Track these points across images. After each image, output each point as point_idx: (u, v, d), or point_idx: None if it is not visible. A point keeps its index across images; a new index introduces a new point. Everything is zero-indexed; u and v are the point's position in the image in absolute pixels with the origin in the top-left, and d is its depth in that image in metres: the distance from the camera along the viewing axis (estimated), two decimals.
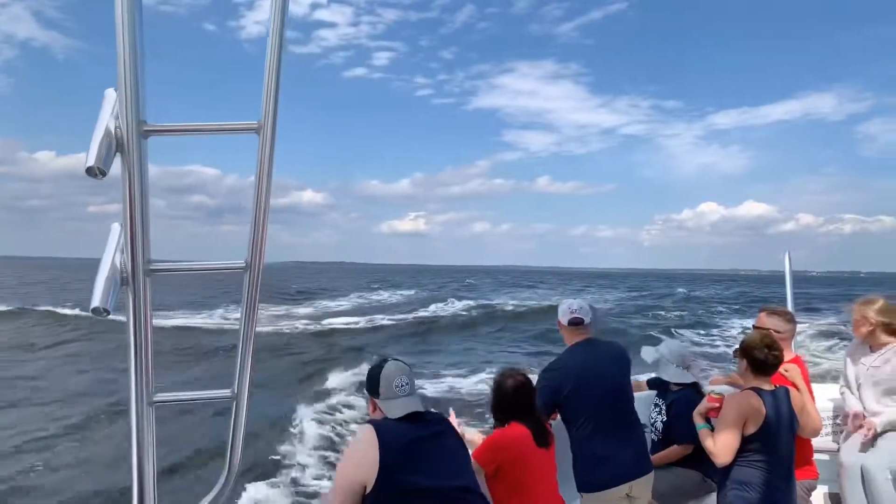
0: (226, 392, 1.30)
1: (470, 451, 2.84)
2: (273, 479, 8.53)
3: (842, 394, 4.08)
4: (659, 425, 4.09)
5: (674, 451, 3.98)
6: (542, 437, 3.06)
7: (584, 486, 3.38)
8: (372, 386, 2.49)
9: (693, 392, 4.04)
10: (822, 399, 4.07)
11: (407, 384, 2.44)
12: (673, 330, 27.92)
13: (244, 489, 7.86)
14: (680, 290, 69.83)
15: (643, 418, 3.80)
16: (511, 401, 3.09)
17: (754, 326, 3.97)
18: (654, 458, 3.94)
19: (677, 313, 37.28)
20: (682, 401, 3.98)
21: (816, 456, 3.84)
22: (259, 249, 1.25)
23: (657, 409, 4.15)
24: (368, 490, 2.25)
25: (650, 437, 4.11)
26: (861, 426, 3.79)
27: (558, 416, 3.54)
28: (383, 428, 2.34)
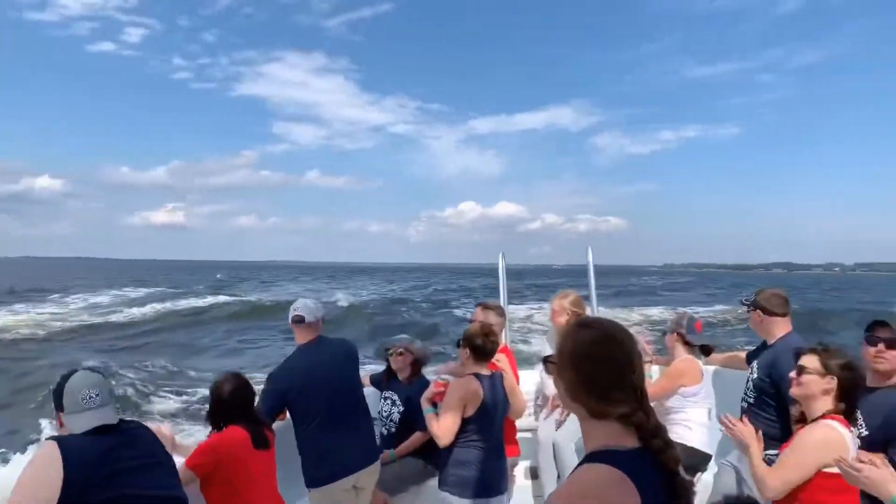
0: None
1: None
2: None
3: (541, 377, 4.64)
4: (395, 417, 4.24)
5: (417, 437, 4.16)
6: (261, 439, 3.03)
7: (312, 481, 3.44)
8: (57, 400, 2.25)
9: (425, 383, 4.27)
10: (527, 384, 4.56)
11: (97, 395, 2.22)
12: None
13: None
14: (434, 283, 73.06)
15: (372, 412, 3.94)
16: (228, 404, 3.04)
17: (470, 321, 4.29)
18: (399, 448, 4.13)
19: (426, 304, 39.17)
20: (420, 391, 4.22)
21: (519, 434, 4.29)
22: None
23: (390, 402, 4.31)
24: None
25: (381, 429, 4.26)
26: (557, 406, 4.33)
27: (287, 416, 3.56)
28: (66, 443, 2.10)
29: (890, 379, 3.03)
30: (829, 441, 2.44)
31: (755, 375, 3.69)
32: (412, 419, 4.16)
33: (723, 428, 2.78)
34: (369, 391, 4.34)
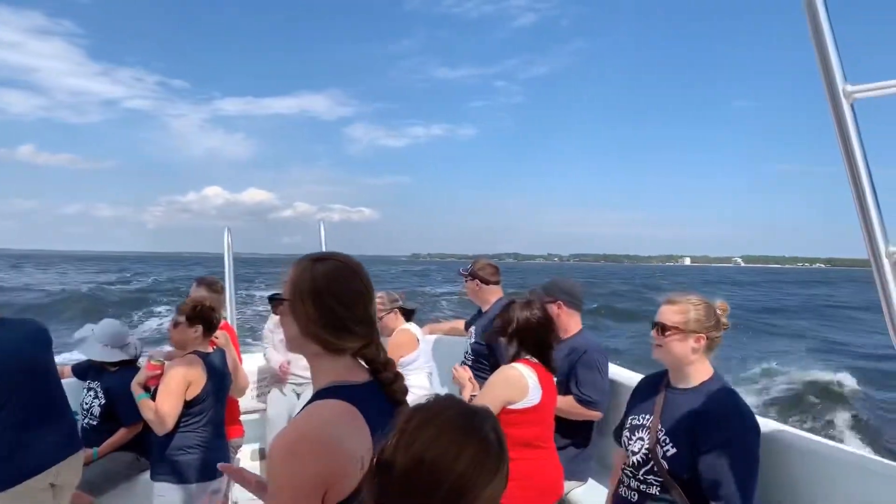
0: None
1: None
2: None
3: (265, 355, 4.58)
4: (96, 410, 3.86)
5: (122, 434, 3.83)
6: None
7: None
8: None
9: (133, 371, 3.91)
10: (250, 364, 4.46)
11: None
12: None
13: None
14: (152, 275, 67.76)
15: (74, 405, 3.47)
16: None
17: (189, 296, 4.09)
18: (102, 446, 3.76)
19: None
20: (123, 381, 3.80)
21: (244, 417, 4.19)
22: None
23: (92, 393, 3.91)
24: None
25: (82, 423, 3.88)
26: (286, 373, 4.42)
27: None
28: None
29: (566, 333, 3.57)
30: (508, 378, 2.75)
31: (472, 340, 4.05)
32: (115, 411, 3.84)
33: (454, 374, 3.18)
34: (71, 381, 3.97)
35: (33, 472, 2.96)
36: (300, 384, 4.49)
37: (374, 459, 1.08)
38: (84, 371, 4.11)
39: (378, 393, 1.39)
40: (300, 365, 4.48)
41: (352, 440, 1.27)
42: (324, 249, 5.57)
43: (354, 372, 1.40)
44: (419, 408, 1.11)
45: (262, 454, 4.35)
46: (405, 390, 1.45)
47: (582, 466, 3.47)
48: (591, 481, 3.48)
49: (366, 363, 1.42)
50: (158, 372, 3.20)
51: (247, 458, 4.32)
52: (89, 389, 3.93)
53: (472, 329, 4.14)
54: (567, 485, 3.22)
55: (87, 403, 3.89)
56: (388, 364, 1.43)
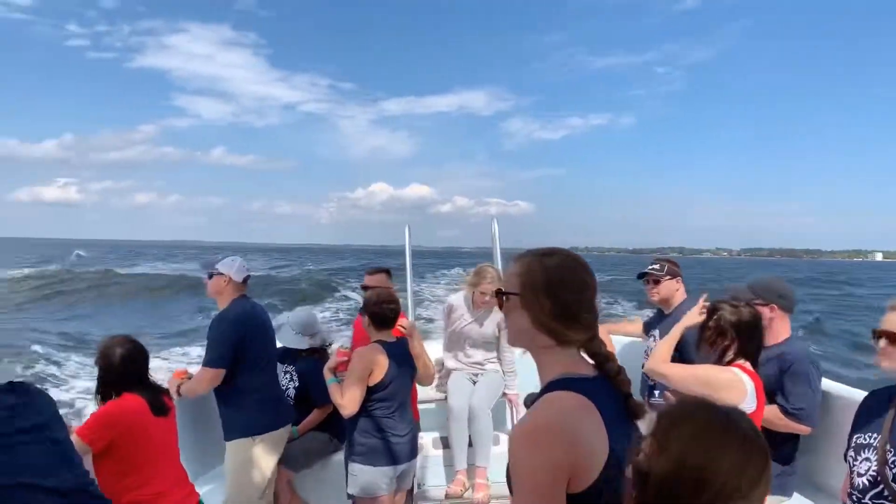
0: None
1: None
2: None
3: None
4: (291, 392, 4.17)
5: (315, 415, 4.13)
6: (160, 406, 2.84)
7: (251, 428, 3.54)
8: None
9: (324, 356, 4.21)
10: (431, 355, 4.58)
11: None
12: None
13: None
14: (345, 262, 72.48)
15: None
16: (121, 370, 2.80)
17: (363, 286, 4.30)
18: (301, 425, 4.07)
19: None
20: (313, 366, 4.13)
21: (422, 406, 4.31)
22: None
23: (288, 376, 4.22)
24: None
25: None
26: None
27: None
28: None
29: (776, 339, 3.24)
30: (729, 380, 2.56)
31: (655, 342, 3.83)
32: (309, 394, 4.13)
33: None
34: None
35: (281, 424, 3.65)
36: (476, 374, 4.56)
37: (630, 466, 1.05)
38: (281, 356, 4.37)
39: (607, 386, 1.39)
40: (475, 360, 4.57)
41: (589, 433, 1.26)
42: (498, 246, 5.62)
43: (581, 365, 1.40)
44: (670, 409, 1.06)
45: (445, 443, 4.47)
46: (629, 382, 1.43)
47: (786, 481, 3.20)
48: (796, 495, 3.21)
49: (590, 356, 1.42)
50: (346, 359, 3.39)
51: (429, 445, 4.45)
52: (285, 373, 4.23)
53: (657, 331, 3.95)
54: (770, 500, 2.98)
55: (283, 385, 4.19)
56: (611, 356, 1.42)
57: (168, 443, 2.88)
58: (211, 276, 3.62)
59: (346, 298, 28.74)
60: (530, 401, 1.44)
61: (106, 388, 2.83)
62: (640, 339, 4.30)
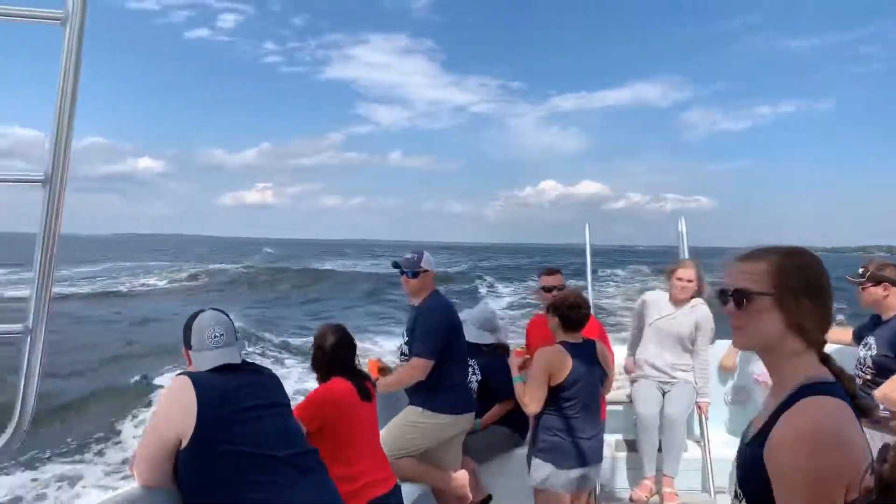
0: (17, 327, 1.13)
1: None
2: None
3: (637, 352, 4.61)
4: (474, 385, 4.26)
5: (497, 410, 4.23)
6: (365, 391, 3.05)
7: (437, 407, 3.65)
8: (185, 337, 2.34)
9: (502, 353, 4.31)
10: (617, 357, 4.50)
11: (222, 335, 2.30)
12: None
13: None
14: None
15: None
16: (331, 356, 3.05)
17: (543, 287, 4.26)
18: (483, 418, 4.18)
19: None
20: (494, 361, 4.23)
21: (609, 408, 4.23)
22: (62, 162, 1.08)
23: (470, 370, 4.27)
24: (184, 444, 2.09)
25: None
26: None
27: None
28: (198, 378, 2.19)
29: None
30: None
31: (874, 352, 3.52)
32: (490, 389, 4.21)
33: None
34: None
35: (463, 410, 3.73)
36: (666, 382, 4.40)
37: (875, 478, 0.98)
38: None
39: (842, 386, 1.31)
40: (665, 362, 4.42)
41: (859, 438, 1.19)
42: (685, 244, 5.39)
43: (821, 368, 1.32)
44: None
45: (630, 445, 4.38)
46: (853, 378, 1.35)
47: None
48: None
49: (820, 359, 1.33)
50: (527, 356, 3.43)
51: (612, 447, 4.38)
52: (468, 366, 4.28)
53: (872, 339, 3.57)
54: None
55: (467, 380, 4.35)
56: (831, 356, 1.34)
57: (371, 427, 3.07)
58: (416, 275, 3.73)
59: (500, 296, 28.91)
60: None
61: (319, 372, 3.09)
62: (850, 347, 3.89)
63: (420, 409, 3.65)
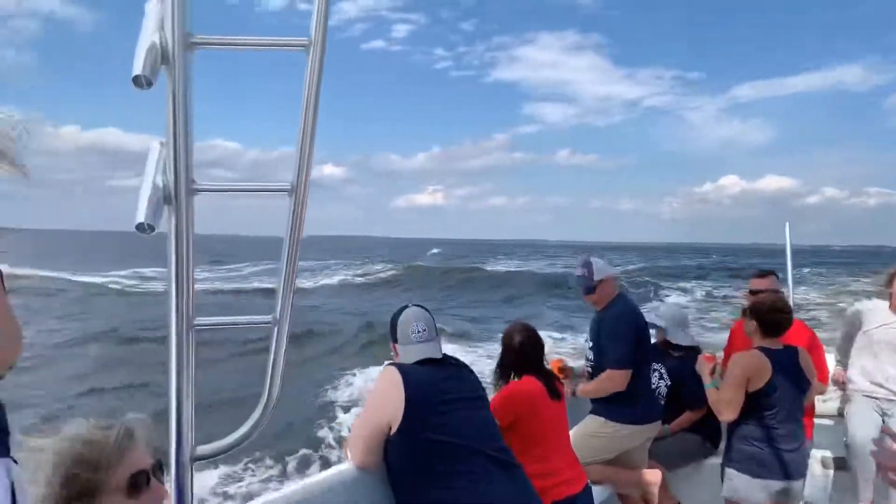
0: (266, 318, 1.28)
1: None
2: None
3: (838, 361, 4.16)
4: (663, 390, 4.07)
5: (687, 417, 4.08)
6: (555, 390, 3.06)
7: (621, 416, 3.58)
8: (391, 331, 2.53)
9: (695, 356, 4.09)
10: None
11: (424, 330, 2.45)
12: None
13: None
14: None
15: None
16: (519, 355, 3.09)
17: (751, 291, 4.03)
18: (672, 425, 4.05)
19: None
20: (685, 365, 4.01)
21: (818, 421, 3.89)
22: (305, 172, 1.21)
23: (657, 374, 4.11)
24: (394, 431, 2.25)
25: None
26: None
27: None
28: (405, 370, 2.34)
29: None
30: None
31: None
32: (680, 394, 4.04)
33: None
34: None
35: (648, 420, 3.61)
36: (890, 401, 3.90)
37: None
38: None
39: None
40: (888, 377, 3.93)
41: None
42: (789, 253, 5.01)
43: None
44: None
45: (840, 463, 3.97)
46: None
47: None
48: None
49: None
50: (716, 363, 3.27)
51: (818, 462, 4.00)
52: (654, 371, 4.11)
53: None
54: None
55: (653, 384, 4.07)
56: None
57: (561, 426, 3.07)
58: (593, 289, 3.63)
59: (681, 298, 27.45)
60: None
61: (505, 370, 3.15)
62: None
63: (602, 419, 3.60)
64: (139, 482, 1.36)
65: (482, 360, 12.07)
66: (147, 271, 37.83)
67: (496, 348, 3.34)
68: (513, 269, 46.22)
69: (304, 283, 35.62)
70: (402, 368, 2.34)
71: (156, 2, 1.15)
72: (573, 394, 3.58)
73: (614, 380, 3.50)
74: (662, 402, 4.04)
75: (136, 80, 1.06)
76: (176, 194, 1.17)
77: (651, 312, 4.38)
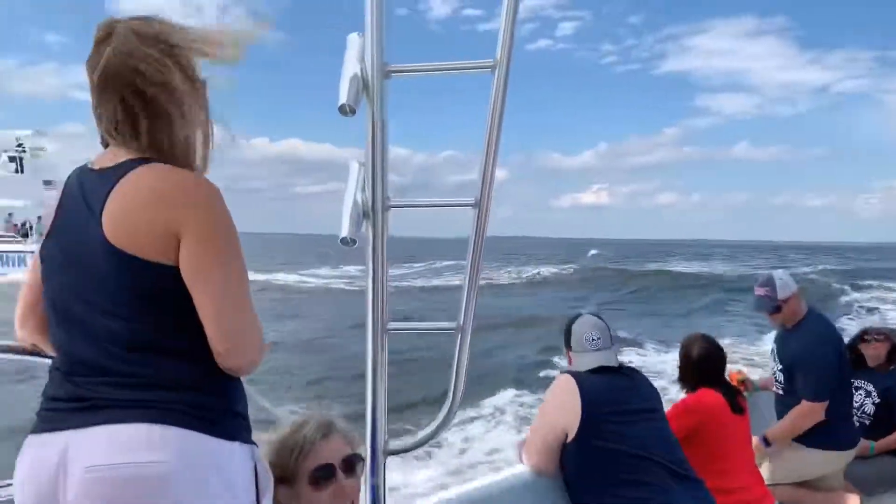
0: (452, 324, 1.37)
1: None
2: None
3: None
4: (869, 409, 3.83)
5: None
6: (737, 404, 2.91)
7: (818, 443, 3.30)
8: (566, 338, 2.54)
9: None
10: None
11: (598, 338, 2.43)
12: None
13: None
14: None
15: None
16: (698, 367, 2.98)
17: None
18: (879, 443, 3.70)
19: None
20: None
21: None
22: (488, 187, 1.28)
23: (863, 393, 3.88)
24: (570, 438, 2.27)
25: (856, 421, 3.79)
26: None
27: None
28: (580, 378, 2.35)
29: None
30: None
31: None
32: (891, 413, 3.72)
33: None
34: None
35: (827, 447, 3.29)
36: None
37: None
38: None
39: None
40: None
41: None
42: None
43: None
44: None
45: None
46: None
47: None
48: None
49: None
50: None
51: None
52: (857, 389, 3.86)
53: None
54: None
55: (857, 402, 3.85)
56: None
57: (744, 441, 2.92)
58: (778, 309, 3.36)
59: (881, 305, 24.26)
60: None
61: (685, 382, 3.05)
62: None
63: (793, 442, 3.34)
64: (323, 475, 1.52)
65: (660, 366, 11.59)
66: (352, 269, 39.90)
67: (674, 357, 3.22)
68: (691, 271, 43.67)
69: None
70: (577, 376, 2.35)
71: (356, 35, 1.27)
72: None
73: (811, 415, 3.22)
74: (868, 422, 3.80)
75: (342, 109, 1.19)
76: (373, 210, 1.29)
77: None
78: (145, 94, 1.21)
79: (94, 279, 1.16)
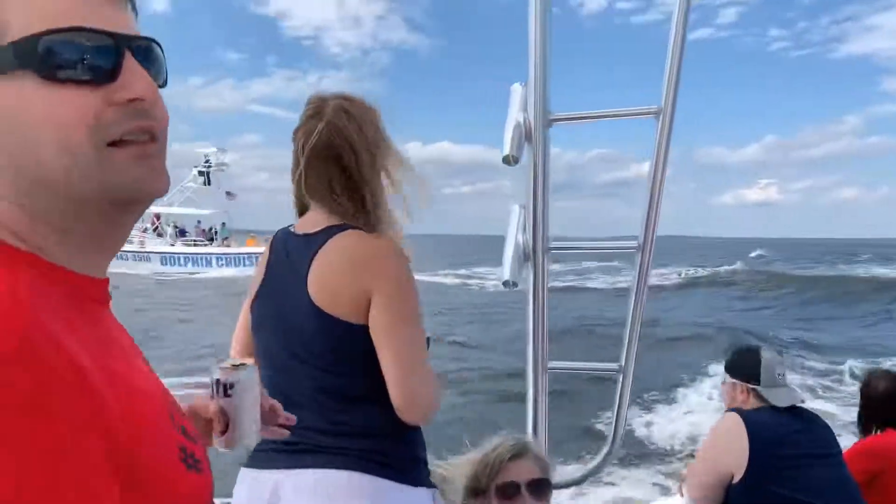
0: (613, 365, 1.38)
1: None
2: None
3: None
4: None
5: None
6: None
7: None
8: (749, 373, 2.32)
9: None
10: None
11: (783, 374, 2.30)
12: None
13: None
14: None
15: None
16: (884, 406, 2.71)
17: None
18: None
19: None
20: None
21: None
22: (651, 231, 1.27)
23: None
24: (736, 480, 2.16)
25: None
26: None
27: None
28: (751, 418, 2.21)
29: None
30: None
31: None
32: None
33: None
34: None
35: None
36: None
37: None
38: None
39: None
40: None
41: None
42: None
43: None
44: None
45: None
46: None
47: None
48: None
49: None
50: None
51: None
52: None
53: None
54: None
55: None
56: None
57: None
58: None
59: None
60: None
61: (867, 422, 2.78)
62: None
63: None
64: (507, 493, 1.61)
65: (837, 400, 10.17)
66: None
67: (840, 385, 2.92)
68: (875, 273, 36.86)
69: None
70: (746, 417, 2.21)
71: (519, 85, 1.32)
72: None
73: None
74: None
75: (506, 160, 1.25)
76: (534, 252, 1.33)
77: None
78: (350, 167, 1.35)
79: (301, 335, 1.32)
